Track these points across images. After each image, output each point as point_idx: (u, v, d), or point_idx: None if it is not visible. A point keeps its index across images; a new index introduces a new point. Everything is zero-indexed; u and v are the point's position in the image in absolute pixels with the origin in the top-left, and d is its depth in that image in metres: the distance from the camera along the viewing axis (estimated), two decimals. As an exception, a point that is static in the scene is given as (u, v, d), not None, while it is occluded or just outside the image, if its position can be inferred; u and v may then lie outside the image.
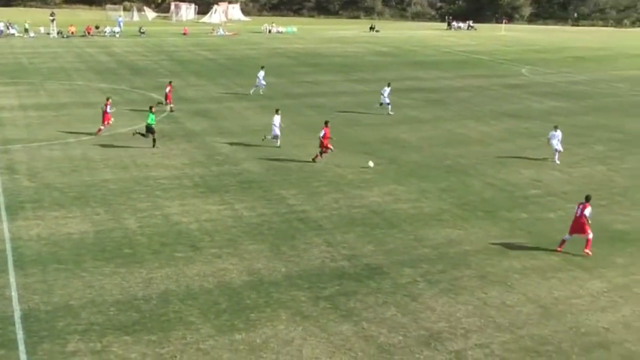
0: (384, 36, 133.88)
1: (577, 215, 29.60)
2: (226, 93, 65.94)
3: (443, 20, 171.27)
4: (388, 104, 57.51)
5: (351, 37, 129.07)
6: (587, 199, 29.86)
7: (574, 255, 29.49)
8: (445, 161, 43.40)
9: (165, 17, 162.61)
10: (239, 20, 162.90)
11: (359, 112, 57.29)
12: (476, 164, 43.01)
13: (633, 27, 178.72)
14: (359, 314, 23.80)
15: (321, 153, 42.04)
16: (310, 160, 41.88)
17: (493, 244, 30.48)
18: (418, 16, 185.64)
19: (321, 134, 41.82)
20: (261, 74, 65.38)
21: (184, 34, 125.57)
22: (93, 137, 46.14)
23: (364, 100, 63.13)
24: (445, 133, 50.09)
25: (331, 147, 42.08)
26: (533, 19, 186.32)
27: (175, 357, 20.71)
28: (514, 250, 29.89)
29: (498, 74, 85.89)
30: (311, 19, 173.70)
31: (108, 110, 46.89)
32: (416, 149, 46.24)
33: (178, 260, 27.41)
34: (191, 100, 61.16)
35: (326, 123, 42.48)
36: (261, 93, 64.87)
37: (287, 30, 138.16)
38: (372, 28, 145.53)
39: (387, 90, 57.85)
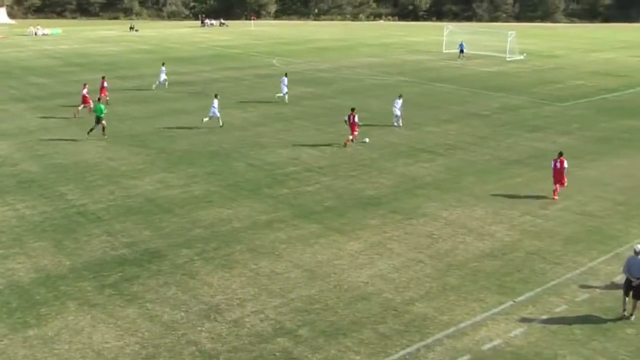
0: (143, 35, 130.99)
1: (558, 167, 32.66)
2: (-2, 96, 62.04)
3: (197, 19, 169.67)
4: (286, 93, 58.29)
5: (113, 37, 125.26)
6: (561, 154, 33.04)
7: (331, 222, 30.44)
8: (210, 147, 43.26)
9: None
10: (5, 24, 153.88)
11: (126, 107, 55.88)
12: (238, 148, 43.17)
13: (368, 20, 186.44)
14: (143, 296, 23.34)
15: (351, 137, 43.25)
16: (342, 145, 43.26)
17: (259, 219, 30.80)
18: (174, 15, 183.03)
19: (356, 119, 43.23)
20: (163, 69, 64.65)
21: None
22: None
23: (130, 95, 61.60)
24: (208, 122, 49.72)
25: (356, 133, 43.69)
26: (279, 15, 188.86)
27: (-31, 359, 19.46)
28: (279, 223, 30.35)
29: (251, 65, 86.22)
30: (74, 21, 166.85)
31: (85, 93, 51.60)
32: (182, 137, 45.71)
33: (-36, 265, 25.65)
34: (-38, 106, 57.16)
35: (352, 110, 43.61)
36: (166, 87, 64.44)
37: (53, 32, 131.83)
38: (132, 28, 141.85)
39: (285, 79, 58.58)
